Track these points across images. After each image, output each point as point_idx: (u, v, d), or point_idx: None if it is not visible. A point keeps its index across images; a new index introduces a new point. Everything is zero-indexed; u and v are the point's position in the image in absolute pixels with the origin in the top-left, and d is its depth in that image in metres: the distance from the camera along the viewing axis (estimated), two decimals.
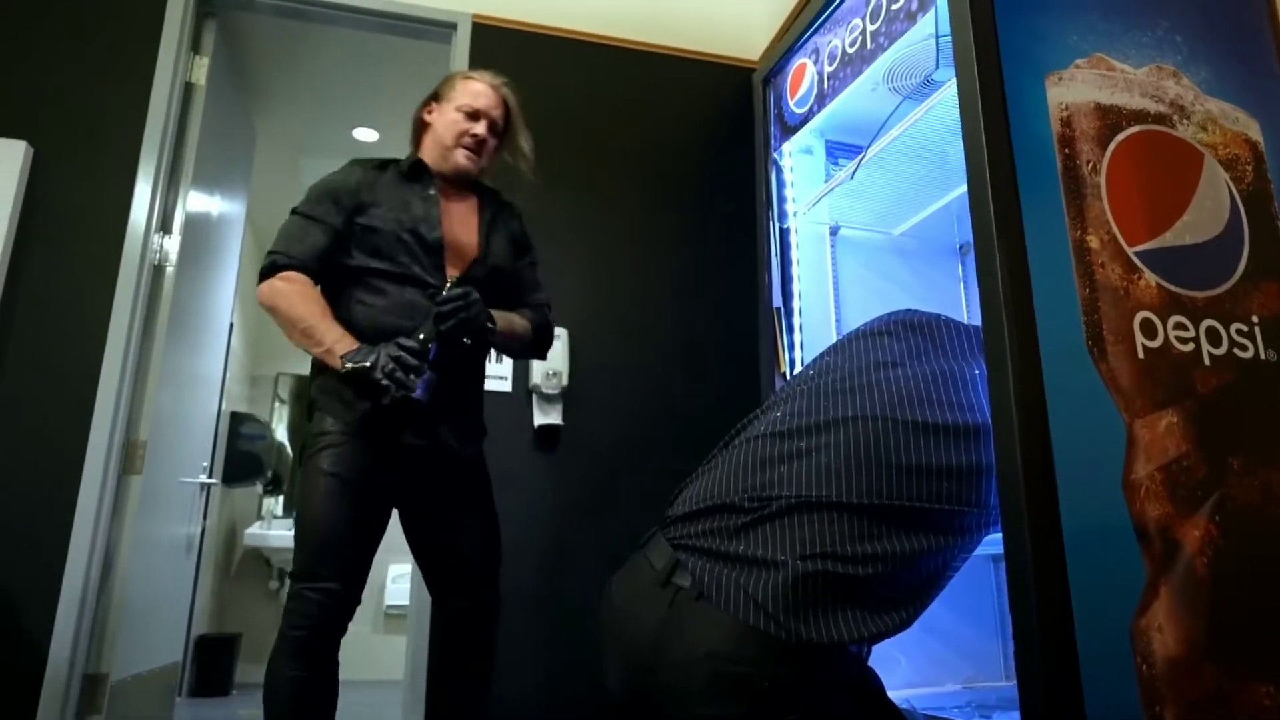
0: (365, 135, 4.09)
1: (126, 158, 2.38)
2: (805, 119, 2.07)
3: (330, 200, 1.68)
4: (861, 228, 2.18)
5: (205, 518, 3.59)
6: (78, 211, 2.33)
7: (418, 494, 1.69)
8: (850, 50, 1.85)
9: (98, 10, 2.47)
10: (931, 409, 1.26)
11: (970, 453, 1.24)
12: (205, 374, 3.08)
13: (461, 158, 1.76)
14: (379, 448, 1.60)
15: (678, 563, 1.22)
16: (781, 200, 2.15)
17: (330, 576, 1.53)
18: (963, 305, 2.13)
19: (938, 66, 1.56)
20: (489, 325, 1.67)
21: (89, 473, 2.18)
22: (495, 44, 2.71)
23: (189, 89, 2.58)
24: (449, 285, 1.62)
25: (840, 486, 1.20)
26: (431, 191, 1.73)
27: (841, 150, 2.13)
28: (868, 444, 1.23)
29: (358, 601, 1.58)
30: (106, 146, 2.39)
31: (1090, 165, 1.33)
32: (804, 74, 2.08)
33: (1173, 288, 1.32)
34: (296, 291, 1.62)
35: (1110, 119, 1.38)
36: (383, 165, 1.78)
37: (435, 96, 1.85)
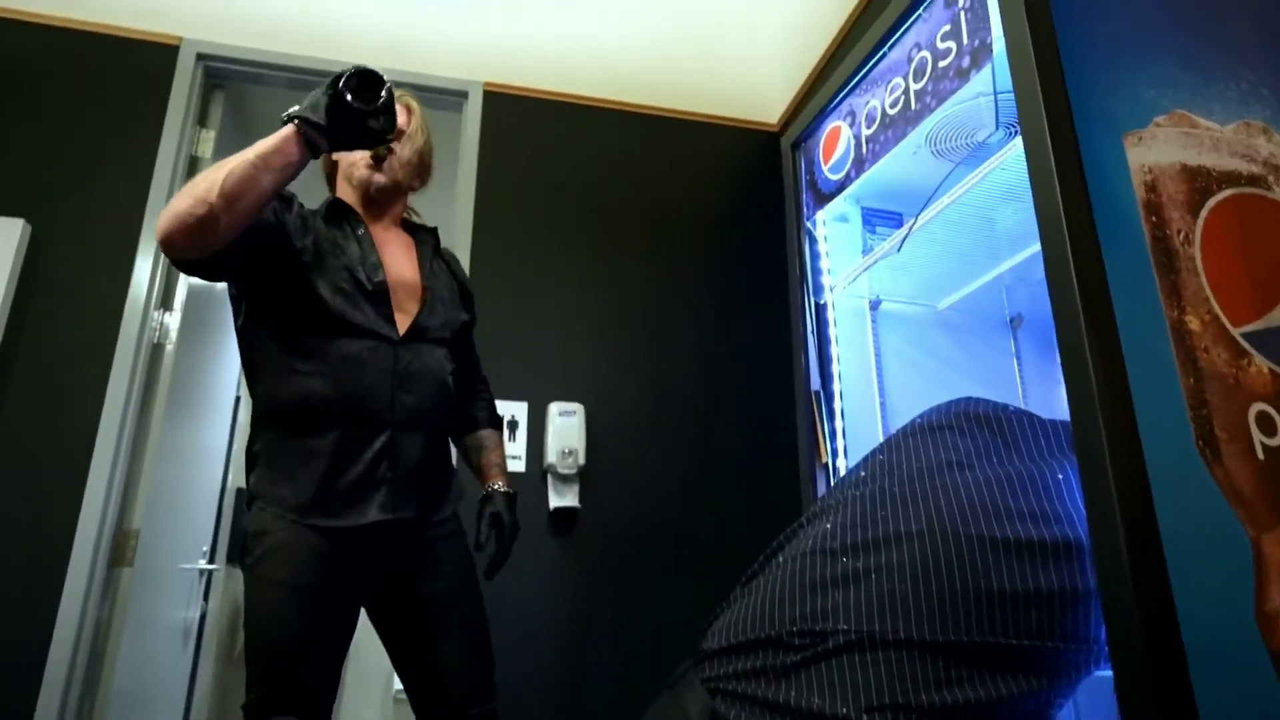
0: None
1: (127, 234, 2.29)
2: (841, 186, 1.92)
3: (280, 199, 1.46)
4: (905, 301, 2.01)
5: (206, 600, 3.40)
6: (75, 290, 2.23)
7: (387, 581, 1.45)
8: (891, 111, 1.71)
9: (102, 86, 2.41)
10: (1013, 521, 1.08)
11: (1063, 575, 1.05)
12: (208, 451, 2.93)
13: (363, 168, 1.54)
14: (336, 531, 1.35)
15: (715, 713, 1.02)
16: (816, 273, 1.98)
17: (288, 707, 1.30)
18: (1017, 382, 1.95)
19: (998, 127, 1.41)
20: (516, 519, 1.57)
21: (75, 565, 2.03)
22: (507, 112, 2.62)
23: (194, 162, 2.49)
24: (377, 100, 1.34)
25: (909, 619, 1.01)
26: (361, 231, 1.52)
27: (879, 218, 1.97)
28: (939, 565, 1.05)
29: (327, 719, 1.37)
30: (107, 223, 2.30)
31: (1182, 235, 1.16)
32: (839, 138, 1.94)
33: None
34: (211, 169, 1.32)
35: (1199, 182, 1.21)
36: (313, 213, 1.55)
37: None
